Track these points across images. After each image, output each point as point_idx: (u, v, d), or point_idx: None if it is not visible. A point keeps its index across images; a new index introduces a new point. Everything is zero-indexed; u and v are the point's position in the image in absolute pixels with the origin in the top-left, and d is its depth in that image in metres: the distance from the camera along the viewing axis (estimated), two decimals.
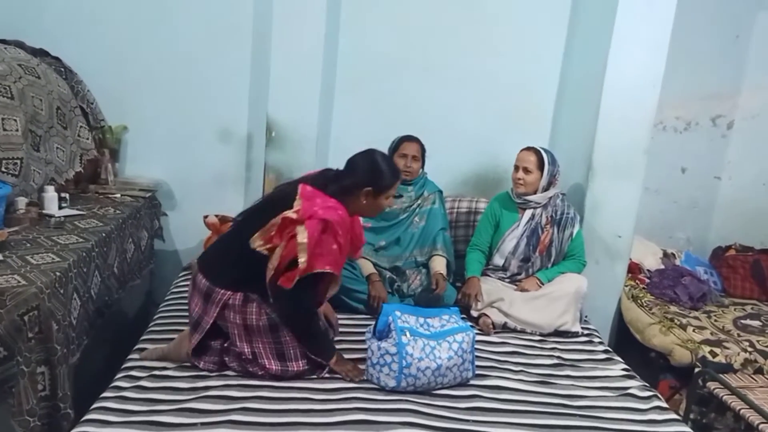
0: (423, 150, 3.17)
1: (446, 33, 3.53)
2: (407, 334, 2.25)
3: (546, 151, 3.05)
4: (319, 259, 2.12)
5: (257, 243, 2.15)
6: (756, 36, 3.82)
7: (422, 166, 3.20)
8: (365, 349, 2.32)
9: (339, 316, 2.80)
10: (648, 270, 3.68)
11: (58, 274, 2.13)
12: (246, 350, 2.23)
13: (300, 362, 2.25)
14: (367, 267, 3.01)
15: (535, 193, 3.04)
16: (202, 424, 1.95)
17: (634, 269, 3.62)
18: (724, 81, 3.88)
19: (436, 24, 3.52)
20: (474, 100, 3.59)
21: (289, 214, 2.11)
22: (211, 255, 2.38)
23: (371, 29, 3.49)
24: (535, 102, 3.62)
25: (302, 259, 2.07)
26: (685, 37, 3.38)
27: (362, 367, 2.32)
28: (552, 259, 3.08)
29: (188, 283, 2.44)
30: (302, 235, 2.08)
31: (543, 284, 3.01)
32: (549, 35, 3.56)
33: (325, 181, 2.27)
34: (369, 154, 2.32)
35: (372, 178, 2.26)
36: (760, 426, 2.39)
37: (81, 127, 3.15)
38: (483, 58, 3.55)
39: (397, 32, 3.51)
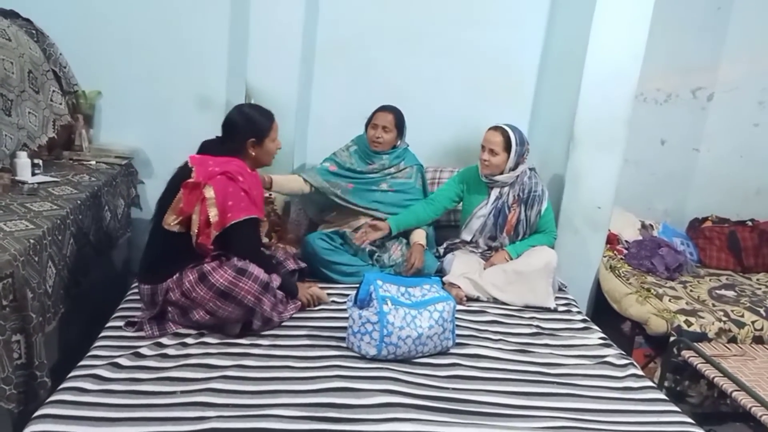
0: (399, 121, 3.08)
1: (429, 2, 3.48)
2: (388, 302, 2.25)
3: (514, 130, 2.95)
4: (234, 211, 2.26)
5: (170, 219, 2.27)
6: (737, 8, 3.81)
7: (399, 137, 3.12)
8: (346, 318, 2.32)
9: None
10: (626, 241, 3.71)
11: (32, 241, 2.09)
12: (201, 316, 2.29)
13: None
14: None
15: (501, 173, 2.98)
16: (182, 392, 1.94)
17: (612, 240, 3.64)
18: (705, 53, 3.87)
19: None
20: (456, 71, 3.55)
21: (189, 181, 2.25)
22: (144, 259, 2.46)
23: None
24: (518, 73, 3.59)
25: (213, 214, 2.23)
26: (667, 8, 3.37)
27: (343, 335, 2.33)
28: (520, 238, 3.05)
29: None
30: (209, 192, 2.24)
31: (512, 258, 2.98)
32: (532, 6, 3.52)
33: (210, 148, 2.42)
34: (239, 110, 2.51)
35: (250, 129, 2.42)
36: (733, 393, 2.45)
37: (54, 91, 3.06)
38: (466, 29, 3.50)
39: (379, 1, 3.44)
